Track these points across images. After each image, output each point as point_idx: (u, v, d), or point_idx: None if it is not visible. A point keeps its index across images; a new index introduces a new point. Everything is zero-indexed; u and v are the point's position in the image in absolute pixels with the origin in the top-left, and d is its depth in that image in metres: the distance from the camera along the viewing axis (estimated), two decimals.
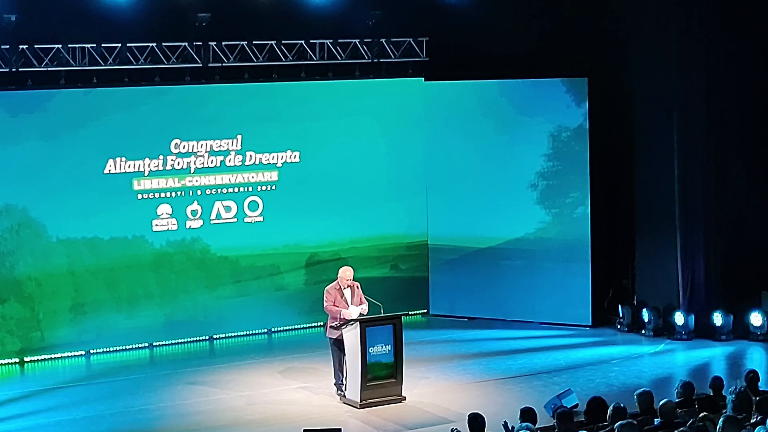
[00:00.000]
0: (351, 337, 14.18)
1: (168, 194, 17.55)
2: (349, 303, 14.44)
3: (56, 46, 16.58)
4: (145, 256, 17.50)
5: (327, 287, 14.62)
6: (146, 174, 17.37)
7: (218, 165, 17.80)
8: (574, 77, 17.92)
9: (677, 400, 11.00)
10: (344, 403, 14.37)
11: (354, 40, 18.42)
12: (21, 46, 16.34)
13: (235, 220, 17.99)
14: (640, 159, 17.66)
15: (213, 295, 18.00)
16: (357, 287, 14.60)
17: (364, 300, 14.51)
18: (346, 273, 14.63)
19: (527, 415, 10.28)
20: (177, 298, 17.79)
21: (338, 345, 14.49)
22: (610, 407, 10.26)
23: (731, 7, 16.91)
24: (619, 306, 17.98)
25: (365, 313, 14.40)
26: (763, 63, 17.18)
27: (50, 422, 14.16)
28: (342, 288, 14.53)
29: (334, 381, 14.73)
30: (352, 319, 14.18)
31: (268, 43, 17.90)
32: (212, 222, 17.85)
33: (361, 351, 14.01)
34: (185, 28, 17.02)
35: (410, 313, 18.58)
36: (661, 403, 10.41)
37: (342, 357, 14.49)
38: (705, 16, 16.88)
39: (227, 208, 17.93)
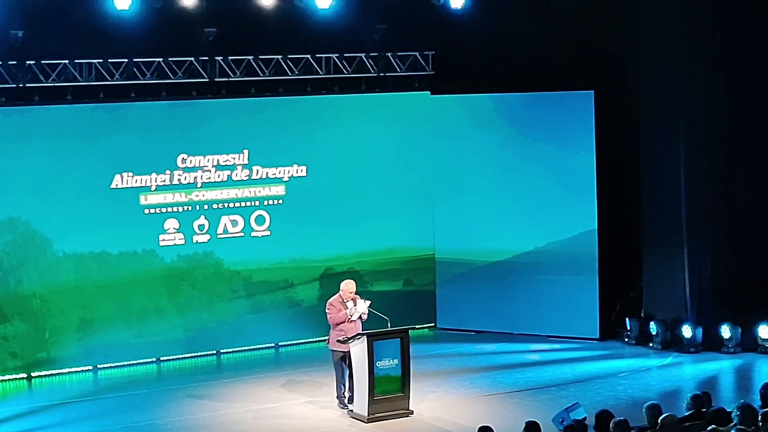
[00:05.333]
0: (358, 351, 14.17)
1: (175, 209, 17.57)
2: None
3: (63, 61, 16.64)
4: (155, 270, 17.50)
5: (330, 300, 14.71)
6: (153, 189, 17.39)
7: (225, 179, 17.82)
8: (581, 90, 17.91)
9: (686, 413, 10.96)
10: (351, 417, 14.36)
11: (360, 55, 18.47)
12: (28, 62, 16.40)
13: (242, 234, 18.00)
14: (646, 171, 17.64)
15: (219, 309, 18.00)
16: (359, 300, 14.64)
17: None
18: (348, 286, 14.70)
19: (531, 429, 10.24)
20: (186, 312, 17.78)
21: (342, 358, 14.50)
22: (612, 423, 10.22)
23: (738, 19, 16.90)
24: (627, 319, 17.95)
25: (365, 316, 14.49)
26: None
27: None
28: (344, 301, 14.57)
29: (336, 394, 14.75)
30: (358, 334, 14.20)
31: (274, 58, 17.94)
32: (219, 236, 17.85)
33: (368, 365, 14.00)
34: (192, 43, 17.06)
35: (417, 326, 18.55)
36: (662, 417, 10.37)
37: (344, 370, 14.52)
38: (712, 29, 16.87)
39: (234, 223, 17.94)
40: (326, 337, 14.93)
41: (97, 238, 17.07)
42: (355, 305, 14.56)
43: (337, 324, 14.48)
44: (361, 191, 18.58)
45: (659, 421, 10.33)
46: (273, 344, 18.31)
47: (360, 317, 14.55)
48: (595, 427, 10.71)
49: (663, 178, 17.38)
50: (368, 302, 14.61)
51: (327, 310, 14.60)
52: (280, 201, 18.21)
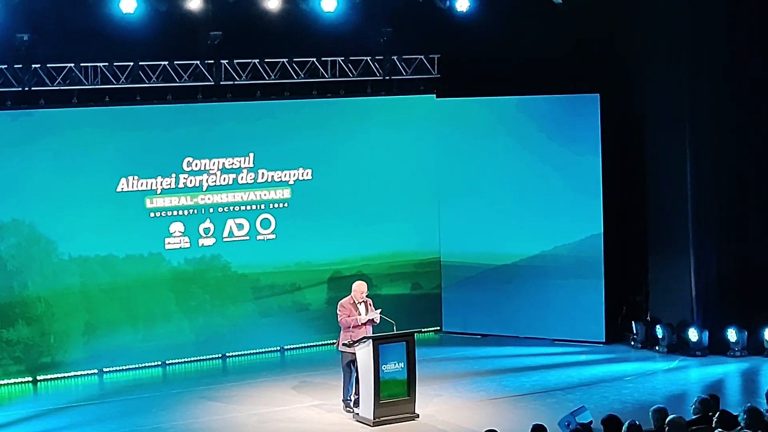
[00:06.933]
0: (364, 354, 14.15)
1: (180, 212, 17.56)
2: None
3: (68, 65, 16.64)
4: (160, 274, 17.49)
5: (341, 301, 14.68)
6: (159, 192, 17.38)
7: (230, 183, 17.81)
8: (586, 93, 17.89)
9: (693, 417, 10.94)
10: (357, 421, 14.34)
11: (366, 58, 18.47)
12: (33, 66, 16.41)
13: (248, 237, 17.98)
14: (652, 174, 17.63)
15: (226, 312, 17.98)
16: (370, 303, 14.64)
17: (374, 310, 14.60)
18: (360, 287, 14.67)
19: None
20: (193, 316, 17.76)
21: (351, 361, 14.49)
22: (625, 425, 10.19)
23: (745, 21, 16.88)
24: (633, 322, 17.93)
25: (377, 320, 14.44)
26: None
27: None
28: (356, 302, 14.55)
29: (342, 397, 14.75)
30: (364, 337, 14.19)
31: (279, 61, 17.94)
32: (225, 240, 17.84)
33: (374, 369, 13.98)
34: (197, 47, 17.06)
35: (423, 330, 18.48)
36: (669, 418, 10.35)
37: (352, 374, 14.51)
38: (718, 32, 16.85)
39: (240, 226, 17.93)
40: (334, 340, 14.91)
41: (103, 241, 17.05)
42: (367, 310, 14.53)
43: (347, 327, 14.45)
44: (366, 194, 18.56)
45: (666, 422, 10.31)
46: (278, 348, 18.28)
47: (372, 320, 14.53)
48: None
49: (669, 181, 17.36)
50: (379, 310, 14.60)
51: (338, 312, 14.60)
52: (286, 204, 18.20)
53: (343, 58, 18.35)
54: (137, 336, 17.40)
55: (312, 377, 16.51)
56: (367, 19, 17.44)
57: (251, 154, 17.91)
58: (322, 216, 18.31)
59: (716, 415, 10.57)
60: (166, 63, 17.22)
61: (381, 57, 18.53)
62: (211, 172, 17.69)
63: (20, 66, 16.32)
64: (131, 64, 16.99)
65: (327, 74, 18.33)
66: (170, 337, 17.60)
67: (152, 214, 17.38)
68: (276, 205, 18.15)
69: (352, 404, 14.62)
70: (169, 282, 17.61)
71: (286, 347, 18.31)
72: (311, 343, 18.29)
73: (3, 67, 16.29)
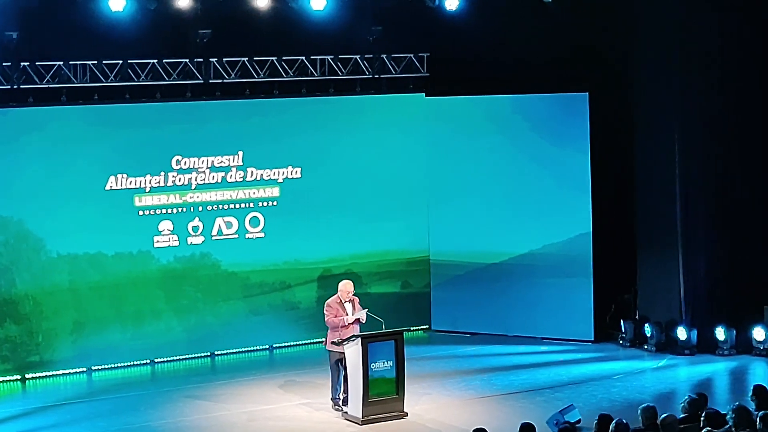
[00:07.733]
0: (353, 353, 14.16)
1: (169, 210, 17.54)
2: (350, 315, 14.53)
3: (57, 63, 16.62)
4: (149, 272, 17.46)
5: (327, 301, 14.69)
6: (147, 190, 17.36)
7: (219, 181, 17.79)
8: (575, 92, 17.91)
9: (682, 416, 10.97)
10: (346, 419, 14.34)
11: (355, 56, 18.46)
12: (22, 64, 16.38)
13: (237, 236, 17.97)
14: (641, 174, 17.65)
15: (216, 311, 17.96)
16: (357, 302, 14.65)
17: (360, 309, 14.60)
18: (346, 286, 14.69)
19: (526, 431, 10.24)
20: (181, 314, 17.74)
21: (338, 360, 14.49)
22: (612, 423, 10.21)
23: (734, 22, 16.91)
24: (622, 321, 17.95)
25: (364, 319, 14.45)
26: (765, 77, 17.19)
27: None
28: (343, 302, 14.56)
29: (330, 396, 14.75)
30: (353, 336, 14.19)
31: (269, 60, 17.93)
32: (213, 238, 17.83)
33: (362, 367, 13.99)
34: (186, 45, 17.03)
35: (412, 328, 18.56)
36: (662, 417, 10.38)
37: (340, 372, 14.51)
38: (706, 31, 16.87)
39: (228, 224, 17.92)
40: (323, 339, 14.92)
41: (92, 239, 17.03)
42: (354, 309, 14.54)
43: (334, 327, 14.46)
44: (355, 193, 18.56)
45: (659, 421, 10.33)
46: (268, 346, 18.28)
47: (358, 319, 14.54)
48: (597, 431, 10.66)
49: (657, 179, 17.38)
50: (365, 309, 14.60)
51: (325, 311, 14.60)
52: (275, 203, 18.19)
53: (332, 57, 18.34)
54: (126, 334, 17.38)
55: (301, 376, 16.51)
56: (357, 18, 17.42)
57: (240, 153, 17.90)
58: (311, 214, 18.30)
59: (704, 414, 10.60)
60: (155, 61, 17.20)
61: (370, 55, 18.52)
62: (200, 170, 17.67)
63: (9, 64, 16.30)
64: (120, 62, 16.97)
65: (316, 73, 18.32)
66: (159, 336, 17.58)
67: (141, 212, 17.36)
68: (265, 204, 18.14)
69: (340, 403, 14.63)
70: (158, 280, 17.59)
71: (275, 346, 18.30)
72: (300, 342, 18.28)
73: None
